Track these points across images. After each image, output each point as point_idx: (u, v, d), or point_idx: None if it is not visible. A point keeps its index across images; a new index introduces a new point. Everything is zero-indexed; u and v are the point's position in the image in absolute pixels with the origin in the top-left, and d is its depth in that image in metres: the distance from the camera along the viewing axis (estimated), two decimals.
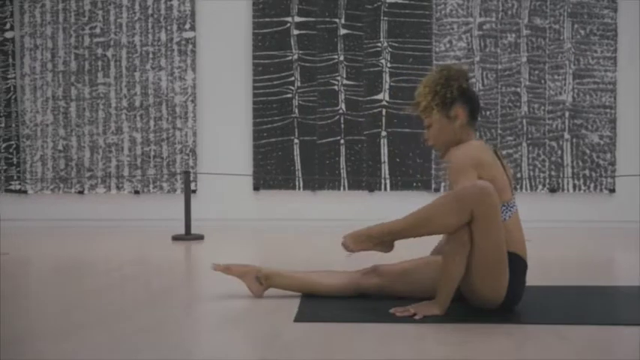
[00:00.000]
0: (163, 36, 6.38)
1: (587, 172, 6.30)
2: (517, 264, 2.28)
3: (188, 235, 5.12)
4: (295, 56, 6.32)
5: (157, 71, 6.39)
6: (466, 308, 2.35)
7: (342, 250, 2.37)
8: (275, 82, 6.33)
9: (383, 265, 2.59)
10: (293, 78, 6.32)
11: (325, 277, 2.62)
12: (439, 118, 2.40)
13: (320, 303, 2.47)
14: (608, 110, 6.28)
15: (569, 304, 2.48)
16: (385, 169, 6.32)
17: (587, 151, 6.29)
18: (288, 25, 6.32)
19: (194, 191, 6.27)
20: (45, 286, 3.01)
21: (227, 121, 6.42)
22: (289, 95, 6.33)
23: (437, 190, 6.30)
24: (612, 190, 6.30)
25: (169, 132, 6.40)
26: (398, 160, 6.31)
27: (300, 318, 2.23)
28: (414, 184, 6.32)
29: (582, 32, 6.27)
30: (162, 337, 1.98)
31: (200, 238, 5.11)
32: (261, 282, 2.60)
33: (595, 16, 6.27)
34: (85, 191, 6.44)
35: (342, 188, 6.34)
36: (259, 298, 2.57)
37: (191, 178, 6.37)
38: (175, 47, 6.38)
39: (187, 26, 6.36)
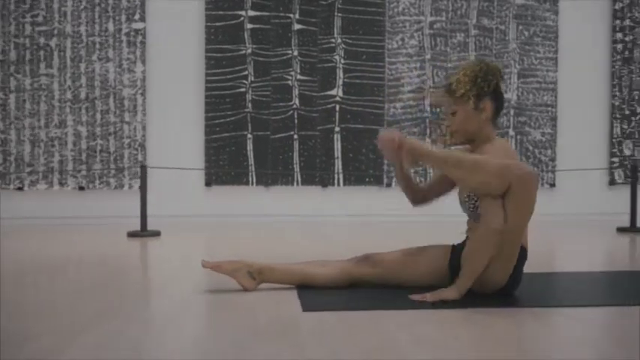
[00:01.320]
0: (111, 26, 6.16)
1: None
2: (522, 253, 2.36)
3: (144, 232, 4.97)
4: (249, 50, 6.25)
5: (104, 62, 6.16)
6: (472, 294, 2.40)
7: (378, 141, 2.41)
8: (228, 76, 6.24)
9: (376, 254, 2.61)
10: (246, 72, 6.25)
11: (319, 268, 2.61)
12: (469, 109, 2.44)
13: (319, 293, 2.46)
14: (549, 108, 6.56)
15: (559, 289, 2.58)
16: (338, 164, 6.35)
17: (530, 147, 6.56)
18: (242, 18, 6.25)
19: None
20: (15, 290, 2.84)
21: (178, 115, 6.28)
22: (242, 90, 6.25)
23: (389, 185, 6.39)
24: (553, 185, 6.59)
25: (117, 126, 6.19)
26: (351, 155, 6.36)
27: (308, 308, 2.21)
28: (367, 180, 6.39)
29: (526, 33, 6.53)
30: (180, 332, 1.92)
31: (157, 234, 4.97)
32: (254, 277, 2.56)
33: (538, 18, 6.54)
34: (25, 187, 6.13)
35: (295, 183, 6.33)
36: (252, 291, 2.53)
37: (139, 174, 6.20)
38: (124, 38, 6.17)
39: (137, 17, 6.17)
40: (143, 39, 6.18)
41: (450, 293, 2.31)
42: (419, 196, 2.74)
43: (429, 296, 2.32)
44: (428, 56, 6.44)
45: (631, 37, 6.66)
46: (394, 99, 6.39)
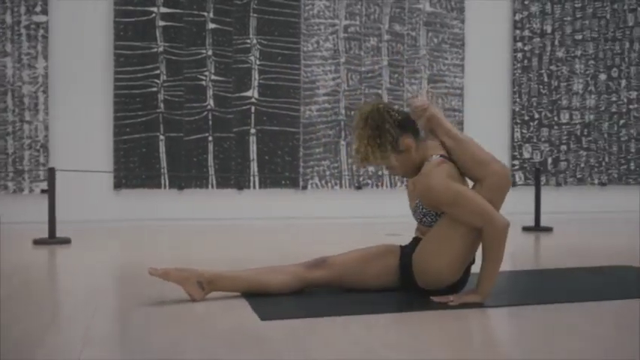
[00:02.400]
0: (9, 18, 5.72)
1: None
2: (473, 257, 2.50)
3: (53, 239, 4.64)
4: (161, 48, 6.02)
5: (0, 57, 5.71)
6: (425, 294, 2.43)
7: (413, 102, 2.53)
8: (139, 75, 5.97)
9: (329, 257, 2.58)
10: (158, 71, 6.02)
11: (270, 275, 2.54)
12: (395, 158, 2.47)
13: (270, 301, 2.39)
14: (456, 113, 6.82)
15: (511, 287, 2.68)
16: (254, 166, 6.26)
17: None
18: (153, 15, 6.01)
19: (45, 190, 5.70)
20: None
21: (84, 115, 5.93)
22: (154, 89, 6.01)
23: (304, 187, 6.39)
24: None
25: (16, 125, 5.75)
26: (267, 157, 6.29)
27: (266, 316, 2.14)
28: (283, 182, 6.34)
29: (435, 40, 6.75)
30: (139, 344, 1.79)
31: (67, 242, 4.65)
32: (203, 287, 2.45)
33: (446, 25, 6.78)
34: None
35: (210, 186, 6.17)
36: (202, 301, 2.42)
37: (41, 177, 5.81)
38: (24, 31, 5.75)
39: (38, 9, 5.77)
40: (45, 33, 5.79)
41: (473, 297, 2.38)
42: None
43: (453, 299, 2.37)
44: (342, 59, 6.49)
45: (530, 47, 7.06)
46: (310, 101, 6.39)
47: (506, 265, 3.46)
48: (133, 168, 5.98)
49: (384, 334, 1.99)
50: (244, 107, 6.23)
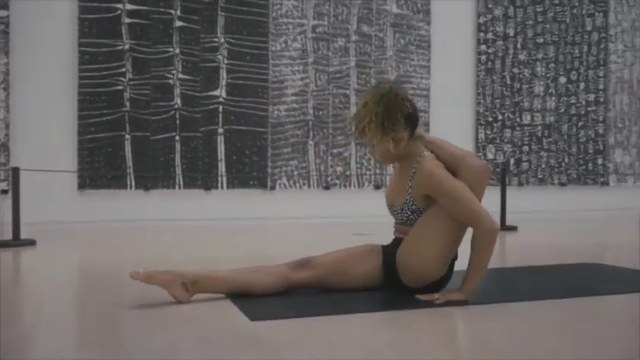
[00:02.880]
0: None
1: None
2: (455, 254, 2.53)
3: (17, 241, 4.50)
4: (127, 46, 5.91)
5: None
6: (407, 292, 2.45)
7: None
8: (104, 73, 5.85)
9: (316, 257, 2.57)
10: (124, 69, 5.90)
11: (255, 276, 2.51)
12: (386, 142, 2.48)
13: (255, 302, 2.37)
14: (423, 114, 6.90)
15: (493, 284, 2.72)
16: (222, 166, 6.21)
17: None
18: (119, 12, 5.89)
19: (5, 191, 5.54)
20: None
21: (47, 113, 5.78)
22: (120, 87, 5.90)
23: (272, 187, 6.36)
24: None
25: None
26: (235, 157, 6.24)
27: (256, 317, 2.12)
28: (251, 182, 6.31)
29: (402, 41, 6.81)
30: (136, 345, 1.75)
31: (31, 243, 4.52)
32: (188, 289, 2.41)
33: (412, 27, 6.85)
34: None
35: (177, 187, 6.09)
36: (185, 303, 2.39)
37: (1, 176, 5.64)
38: None
39: None
40: (6, 28, 5.61)
41: (458, 295, 2.40)
42: None
43: (439, 297, 2.38)
44: (311, 60, 6.49)
45: (493, 50, 7.20)
46: (278, 101, 6.37)
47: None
48: (98, 168, 5.85)
49: (380, 333, 2.00)
50: (212, 106, 6.17)
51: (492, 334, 1.97)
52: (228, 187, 6.23)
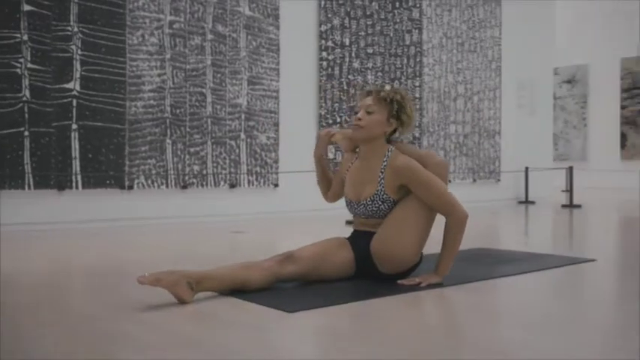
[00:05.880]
0: None
1: (258, 168, 7.03)
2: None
3: None
4: None
5: None
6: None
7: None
8: None
9: (295, 252, 2.68)
10: None
11: (248, 271, 2.55)
12: (385, 116, 2.74)
13: (265, 295, 2.48)
14: (273, 115, 7.14)
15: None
16: (76, 165, 5.76)
17: (258, 150, 7.02)
18: None
19: None
20: None
21: None
22: None
23: (130, 187, 6.08)
24: (276, 185, 7.18)
25: None
26: (90, 155, 5.84)
27: (295, 309, 2.23)
28: (107, 182, 5.95)
29: (254, 43, 6.98)
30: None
31: None
32: (192, 288, 2.38)
33: (263, 30, 7.06)
34: None
35: (26, 187, 5.51)
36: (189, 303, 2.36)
37: None
38: None
39: None
40: None
41: (435, 278, 2.66)
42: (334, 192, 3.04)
43: (420, 281, 2.61)
44: (168, 56, 6.34)
45: (333, 57, 7.71)
46: (135, 97, 6.11)
47: None
48: None
49: (389, 317, 2.20)
50: (65, 100, 5.70)
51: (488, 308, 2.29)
52: (83, 187, 5.80)
